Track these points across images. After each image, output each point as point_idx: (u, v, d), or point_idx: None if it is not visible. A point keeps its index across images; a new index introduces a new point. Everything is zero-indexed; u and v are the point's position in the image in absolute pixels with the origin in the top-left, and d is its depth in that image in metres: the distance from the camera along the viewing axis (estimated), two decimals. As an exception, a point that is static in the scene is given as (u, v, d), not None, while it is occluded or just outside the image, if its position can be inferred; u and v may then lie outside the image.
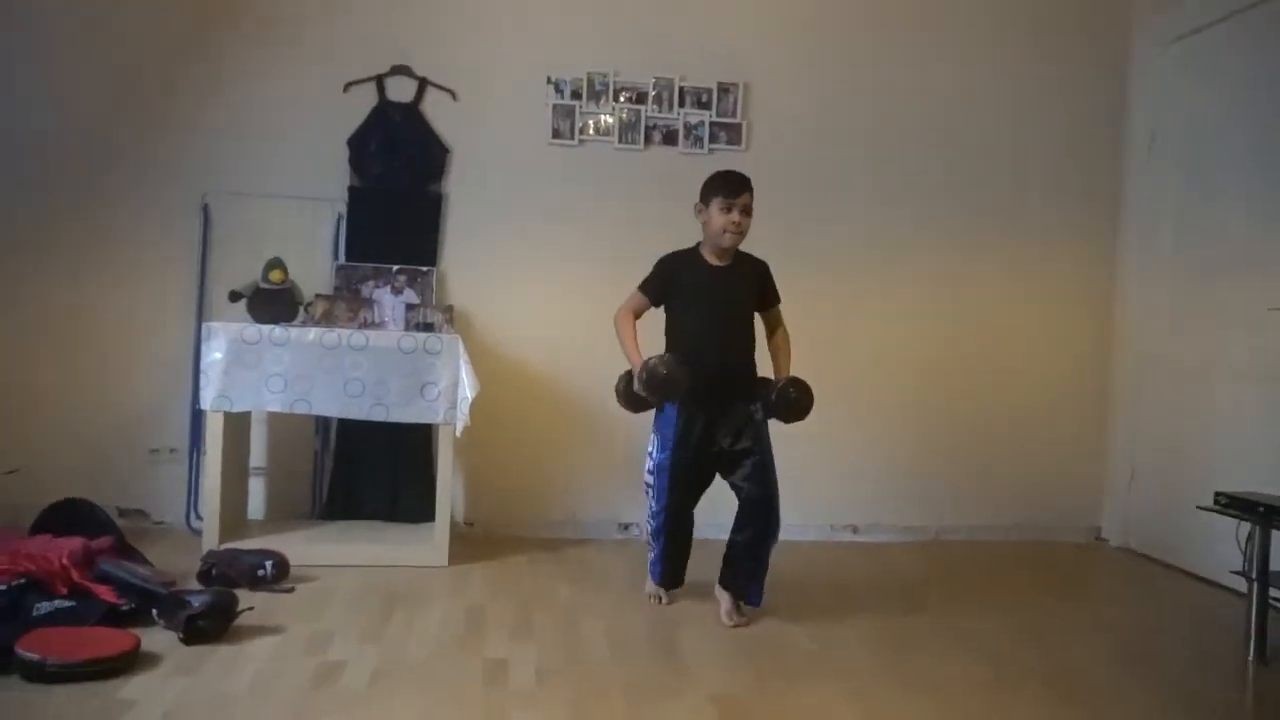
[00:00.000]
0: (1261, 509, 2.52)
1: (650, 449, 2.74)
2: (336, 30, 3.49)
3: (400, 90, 3.53)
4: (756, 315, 2.77)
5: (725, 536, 2.71)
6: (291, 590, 2.75)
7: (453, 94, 3.55)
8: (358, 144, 3.50)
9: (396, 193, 3.51)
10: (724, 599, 2.70)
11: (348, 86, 3.49)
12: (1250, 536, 2.56)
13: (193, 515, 3.39)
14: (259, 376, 2.99)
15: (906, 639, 2.61)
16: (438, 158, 3.55)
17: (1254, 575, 2.56)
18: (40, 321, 3.38)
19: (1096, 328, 3.88)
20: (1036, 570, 3.45)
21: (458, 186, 3.57)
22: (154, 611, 2.37)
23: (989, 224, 3.81)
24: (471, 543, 3.34)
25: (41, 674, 2.04)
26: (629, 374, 2.67)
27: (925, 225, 3.77)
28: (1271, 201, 3.15)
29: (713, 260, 2.70)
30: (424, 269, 3.49)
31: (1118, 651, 2.60)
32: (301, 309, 3.22)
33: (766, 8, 3.69)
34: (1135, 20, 3.82)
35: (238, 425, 3.17)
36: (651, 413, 2.75)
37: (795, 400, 2.65)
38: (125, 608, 2.37)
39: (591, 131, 3.62)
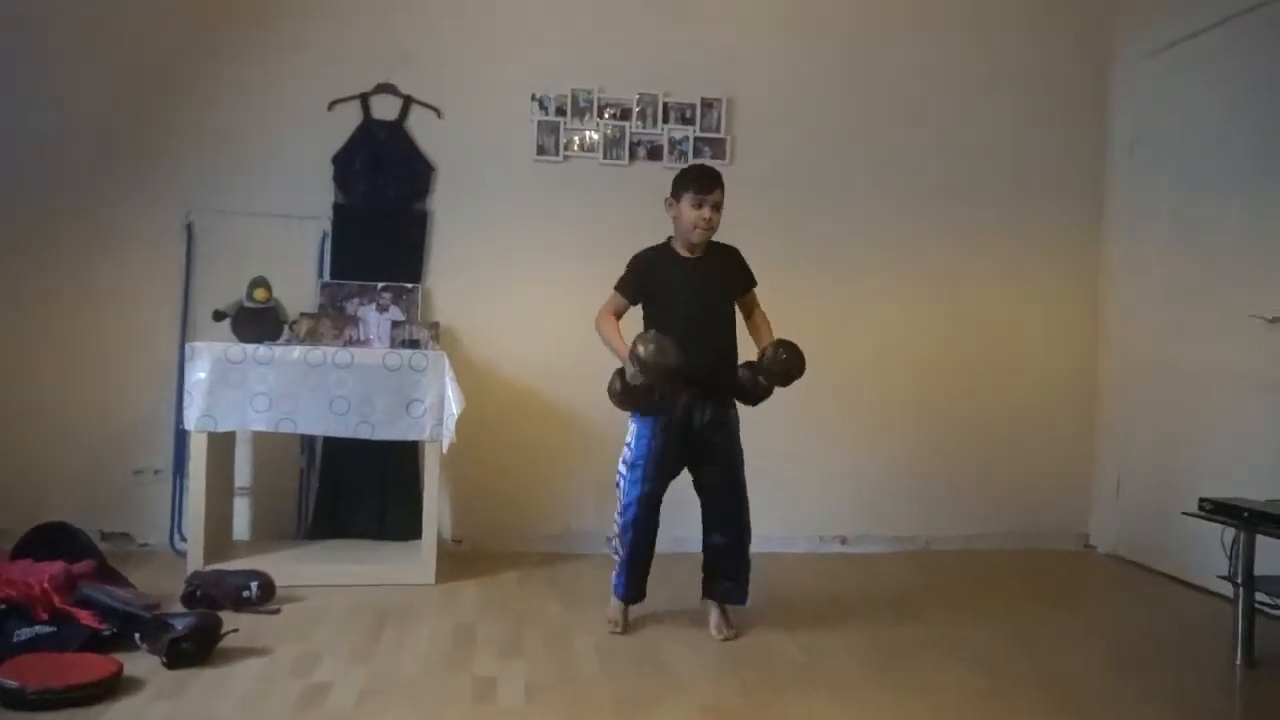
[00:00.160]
0: (1246, 514, 2.53)
1: (628, 439, 2.68)
2: (321, 49, 3.50)
3: (385, 108, 3.53)
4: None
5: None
6: (277, 611, 2.72)
7: (437, 111, 3.56)
8: (343, 161, 3.50)
9: (382, 210, 3.51)
10: (712, 612, 2.69)
11: (332, 105, 3.49)
12: (1235, 541, 2.58)
13: (177, 537, 3.35)
14: (243, 396, 2.97)
15: (899, 648, 2.61)
16: (423, 175, 3.55)
17: (1240, 580, 2.57)
18: (21, 342, 3.35)
19: (1084, 336, 3.91)
20: (1027, 578, 3.45)
21: (443, 204, 3.58)
22: (136, 635, 2.34)
23: (974, 237, 3.84)
24: (460, 560, 3.32)
25: (22, 701, 2.00)
26: (621, 370, 2.61)
27: (909, 235, 3.80)
28: (1263, 207, 3.17)
29: (685, 253, 2.70)
30: (409, 286, 3.48)
31: (1111, 658, 2.60)
32: (286, 327, 3.20)
33: (749, 23, 3.72)
34: (1121, 27, 3.84)
35: (223, 445, 3.14)
36: None
37: (786, 360, 2.60)
38: (107, 632, 2.34)
39: (576, 148, 3.63)
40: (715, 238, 2.70)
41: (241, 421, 3.01)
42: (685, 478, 2.72)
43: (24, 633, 2.26)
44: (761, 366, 2.64)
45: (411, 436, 3.07)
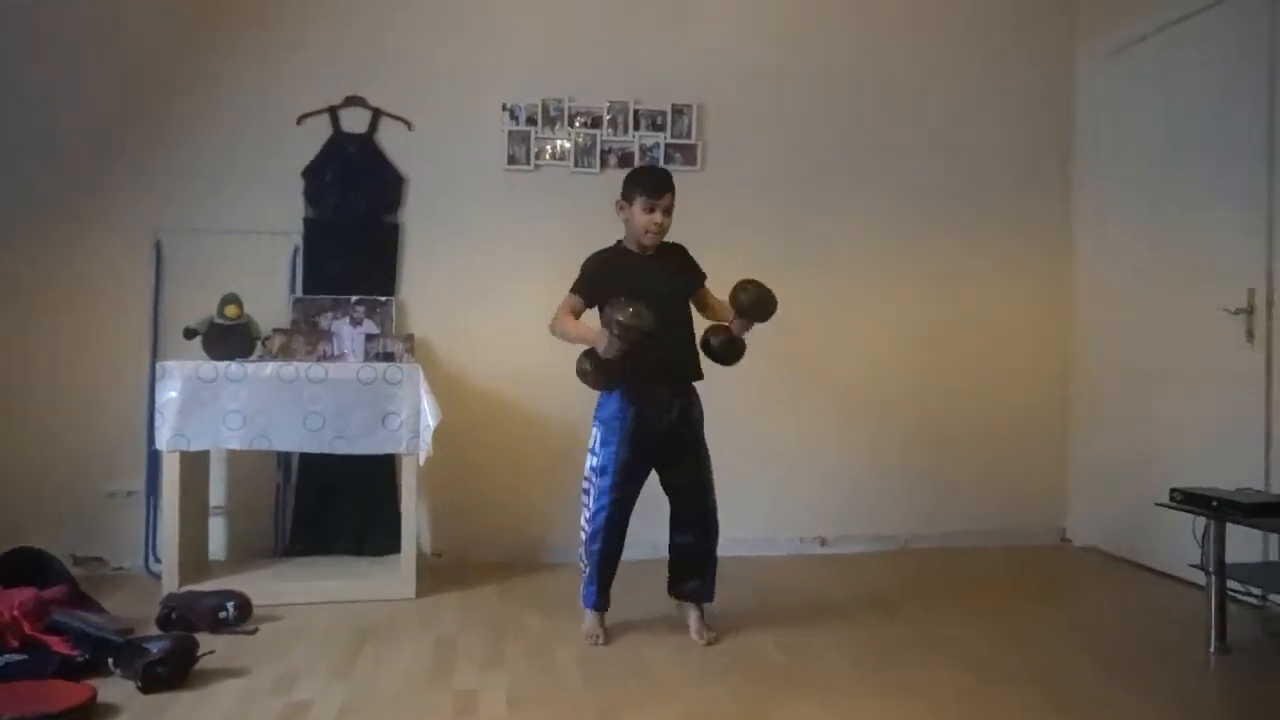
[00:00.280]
0: (1215, 503, 2.57)
1: (592, 445, 2.68)
2: (288, 63, 3.48)
3: (355, 121, 3.52)
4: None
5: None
6: (255, 631, 2.69)
7: (408, 123, 3.55)
8: (313, 176, 3.48)
9: (353, 223, 3.49)
10: (690, 615, 2.70)
11: (301, 119, 3.47)
12: (1206, 531, 2.62)
13: (152, 559, 3.31)
14: (217, 414, 2.94)
15: (885, 648, 2.62)
16: (394, 187, 3.54)
17: (1211, 568, 2.61)
18: (-12, 367, 3.30)
19: (1058, 334, 3.95)
20: (1007, 574, 3.48)
21: (415, 215, 3.56)
22: (110, 660, 2.30)
23: (945, 240, 3.87)
24: (440, 573, 3.30)
25: (-7, 730, 1.97)
26: (589, 351, 2.57)
27: (881, 238, 3.83)
28: (1221, 202, 3.22)
29: (638, 252, 2.72)
30: (383, 299, 3.47)
31: (1093, 650, 2.63)
32: (259, 344, 3.17)
33: (718, 30, 3.74)
34: (1083, 27, 3.92)
35: (196, 464, 3.11)
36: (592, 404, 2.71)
37: (754, 293, 2.59)
38: (80, 659, 2.31)
39: (547, 157, 3.63)
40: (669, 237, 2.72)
41: (215, 440, 2.98)
42: (654, 479, 2.71)
43: (-6, 661, 2.22)
44: (737, 306, 2.61)
45: (388, 450, 3.05)
